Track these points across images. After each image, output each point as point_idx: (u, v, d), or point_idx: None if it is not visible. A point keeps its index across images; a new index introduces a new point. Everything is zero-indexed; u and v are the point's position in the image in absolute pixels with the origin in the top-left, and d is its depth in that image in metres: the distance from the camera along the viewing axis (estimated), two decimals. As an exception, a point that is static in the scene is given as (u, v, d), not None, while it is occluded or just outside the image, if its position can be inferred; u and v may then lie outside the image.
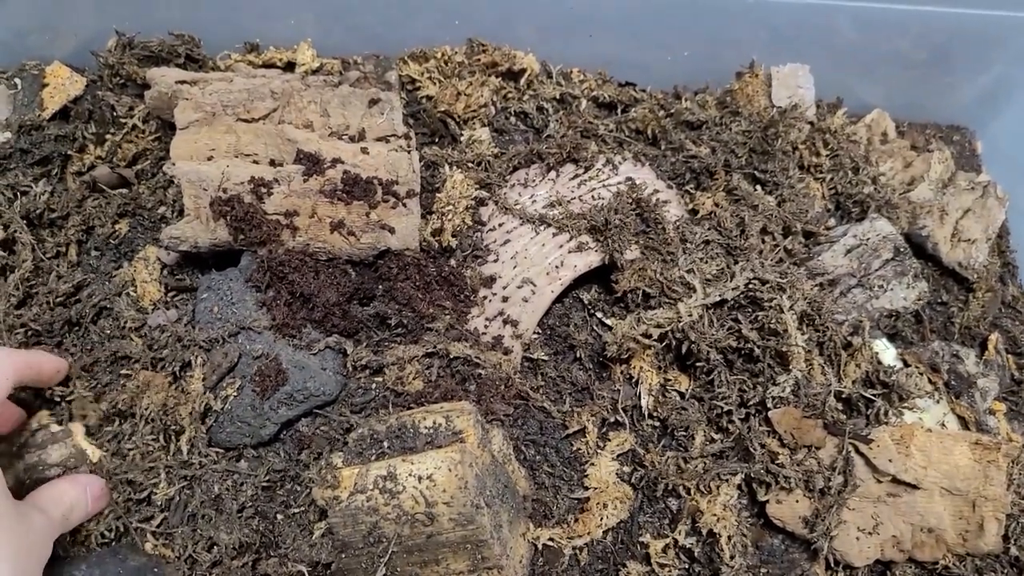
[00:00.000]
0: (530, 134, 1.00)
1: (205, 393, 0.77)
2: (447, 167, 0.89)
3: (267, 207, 0.78)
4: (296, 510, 0.79)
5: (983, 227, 1.01)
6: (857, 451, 0.78)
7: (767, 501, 0.79)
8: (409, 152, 0.81)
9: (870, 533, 0.79)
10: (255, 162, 0.80)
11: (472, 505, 0.71)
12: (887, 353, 0.89)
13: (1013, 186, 1.07)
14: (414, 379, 0.83)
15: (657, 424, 0.84)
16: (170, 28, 0.96)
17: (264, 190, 0.77)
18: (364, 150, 0.79)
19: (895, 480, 0.78)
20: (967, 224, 1.01)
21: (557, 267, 0.85)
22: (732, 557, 0.78)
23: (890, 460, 0.76)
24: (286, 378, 0.79)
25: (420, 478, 0.72)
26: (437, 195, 0.87)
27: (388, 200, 0.80)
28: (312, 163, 0.78)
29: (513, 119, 1.00)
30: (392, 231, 0.81)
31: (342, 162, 0.79)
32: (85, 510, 0.72)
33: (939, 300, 1.00)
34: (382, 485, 0.72)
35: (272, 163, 0.80)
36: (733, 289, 0.79)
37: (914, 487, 0.78)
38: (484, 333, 0.86)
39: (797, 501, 0.78)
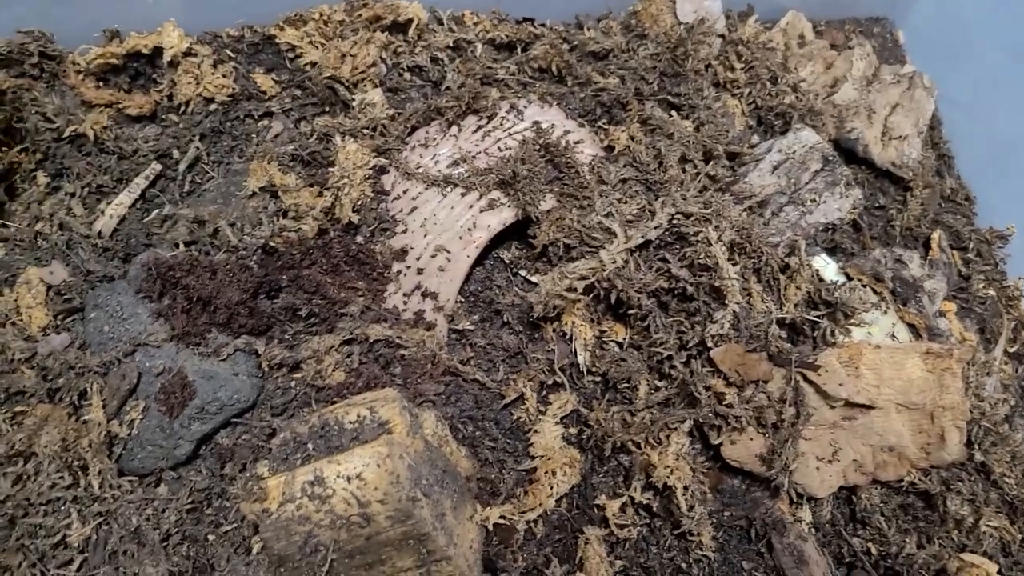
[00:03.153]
0: (428, 89, 0.93)
1: (109, 421, 0.71)
2: (339, 137, 0.82)
3: None
4: (228, 528, 0.74)
5: (913, 121, 0.97)
6: (806, 379, 0.74)
7: (721, 444, 0.76)
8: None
9: (830, 461, 0.75)
10: None
11: (407, 499, 0.67)
12: (828, 269, 0.85)
13: (941, 74, 1.02)
14: (334, 371, 0.77)
15: (598, 379, 0.80)
16: (17, 26, 0.87)
17: None
18: None
19: (849, 403, 0.74)
20: (897, 120, 0.96)
21: (470, 229, 0.79)
22: (691, 507, 0.74)
23: (840, 384, 0.73)
24: (194, 391, 0.73)
25: (349, 479, 0.67)
26: (330, 169, 0.80)
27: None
28: None
29: (407, 75, 0.93)
30: None
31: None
32: None
33: (876, 204, 0.95)
34: (310, 491, 0.67)
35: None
36: (656, 228, 0.74)
37: (869, 407, 0.74)
38: (404, 310, 0.80)
39: (751, 439, 0.75)
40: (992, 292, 0.93)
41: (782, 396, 0.74)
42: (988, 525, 0.75)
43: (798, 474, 0.75)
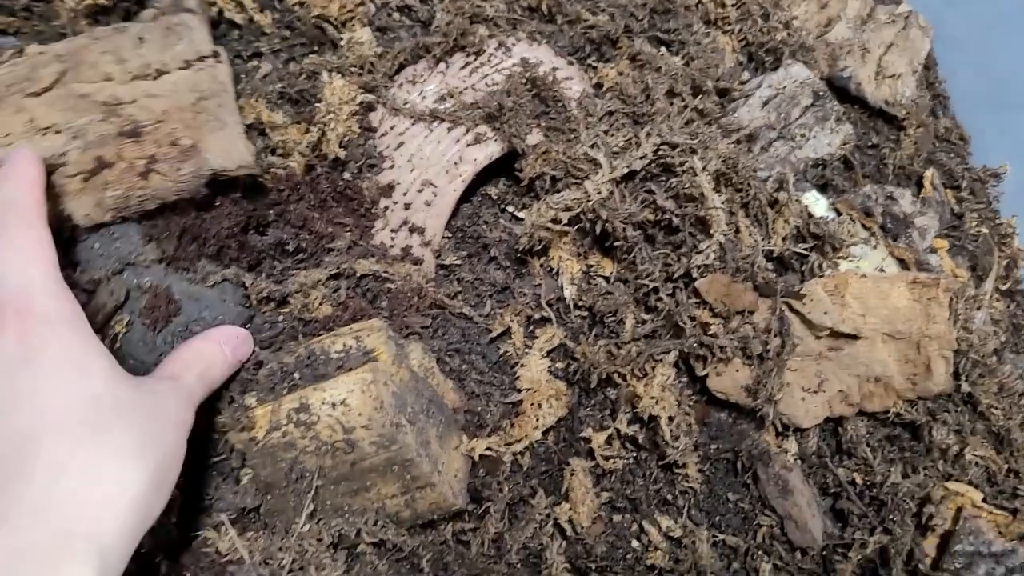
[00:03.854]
0: (417, 28, 0.92)
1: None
2: (326, 74, 0.82)
3: (69, 170, 0.71)
4: (217, 459, 0.75)
5: (908, 60, 0.96)
6: (791, 309, 0.74)
7: (707, 376, 0.76)
8: (216, 67, 0.74)
9: (815, 392, 0.75)
10: (57, 132, 0.72)
11: (392, 424, 0.67)
12: (818, 205, 0.85)
13: (937, 13, 1.01)
14: (321, 304, 0.77)
15: (585, 313, 0.80)
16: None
17: (60, 156, 0.70)
18: (157, 78, 0.72)
19: (834, 333, 0.74)
20: (891, 59, 0.95)
21: (456, 164, 0.79)
22: (676, 438, 0.74)
23: (825, 313, 0.72)
24: (179, 308, 0.73)
25: (334, 405, 0.68)
26: (317, 105, 0.80)
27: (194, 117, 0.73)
28: (108, 110, 0.70)
29: (396, 15, 0.92)
30: (210, 149, 0.73)
31: (137, 101, 0.71)
32: (225, 363, 0.67)
33: (869, 143, 0.95)
34: (296, 418, 0.68)
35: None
36: (641, 158, 0.73)
37: (855, 337, 0.74)
38: (392, 245, 0.81)
39: (737, 371, 0.75)
40: (985, 230, 0.92)
41: (767, 326, 0.74)
42: (974, 455, 0.75)
43: (784, 405, 0.75)
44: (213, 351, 0.66)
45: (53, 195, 0.69)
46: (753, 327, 0.74)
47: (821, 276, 0.77)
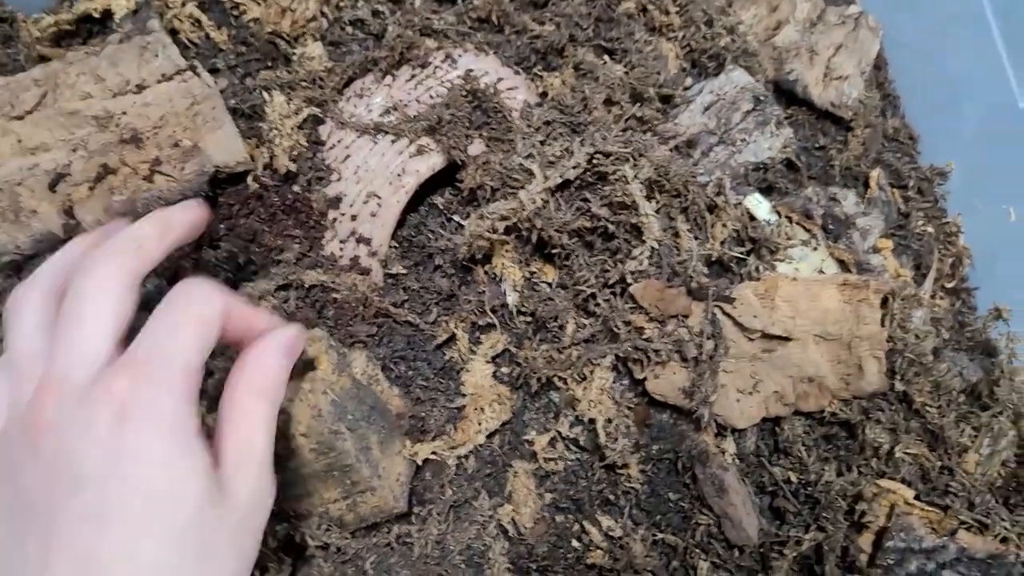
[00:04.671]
0: (370, 42, 0.94)
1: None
2: (269, 91, 0.84)
3: (75, 178, 0.74)
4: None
5: (856, 62, 0.97)
6: (724, 313, 0.75)
7: (645, 378, 0.77)
8: (199, 76, 0.78)
9: (751, 393, 0.77)
10: (47, 151, 0.76)
11: (330, 432, 0.70)
12: (760, 208, 0.86)
13: (890, 14, 1.02)
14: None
15: (529, 319, 0.82)
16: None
17: (64, 168, 0.74)
18: (139, 92, 0.76)
19: (766, 335, 0.75)
20: (839, 61, 0.96)
21: (399, 175, 0.81)
22: (615, 440, 0.76)
23: (755, 316, 0.74)
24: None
25: (274, 414, 0.70)
26: (260, 124, 0.82)
27: (191, 120, 0.77)
28: (103, 122, 0.74)
29: (349, 29, 0.94)
30: (210, 148, 0.77)
31: (129, 112, 0.76)
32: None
33: (817, 144, 0.95)
34: (238, 428, 0.70)
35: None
36: (574, 168, 0.75)
37: (786, 339, 0.75)
38: (341, 256, 0.83)
39: (674, 373, 0.76)
40: (930, 229, 0.93)
41: (702, 330, 0.75)
42: (906, 453, 0.76)
43: (720, 406, 0.76)
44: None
45: (63, 207, 0.75)
46: (688, 330, 0.75)
47: (758, 278, 0.78)
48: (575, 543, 0.77)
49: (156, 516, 0.46)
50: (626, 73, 0.86)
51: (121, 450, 0.46)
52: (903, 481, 0.75)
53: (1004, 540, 0.71)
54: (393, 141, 0.82)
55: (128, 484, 0.46)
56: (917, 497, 0.74)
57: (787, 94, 0.95)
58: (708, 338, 0.75)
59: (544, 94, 0.88)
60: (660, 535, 0.77)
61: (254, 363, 0.58)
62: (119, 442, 0.46)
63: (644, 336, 0.75)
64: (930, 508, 0.73)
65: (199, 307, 0.54)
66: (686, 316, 0.76)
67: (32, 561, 0.44)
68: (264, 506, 0.55)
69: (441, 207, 0.86)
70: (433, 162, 0.81)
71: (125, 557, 0.45)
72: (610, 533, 0.77)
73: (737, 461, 0.79)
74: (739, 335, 0.76)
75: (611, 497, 0.79)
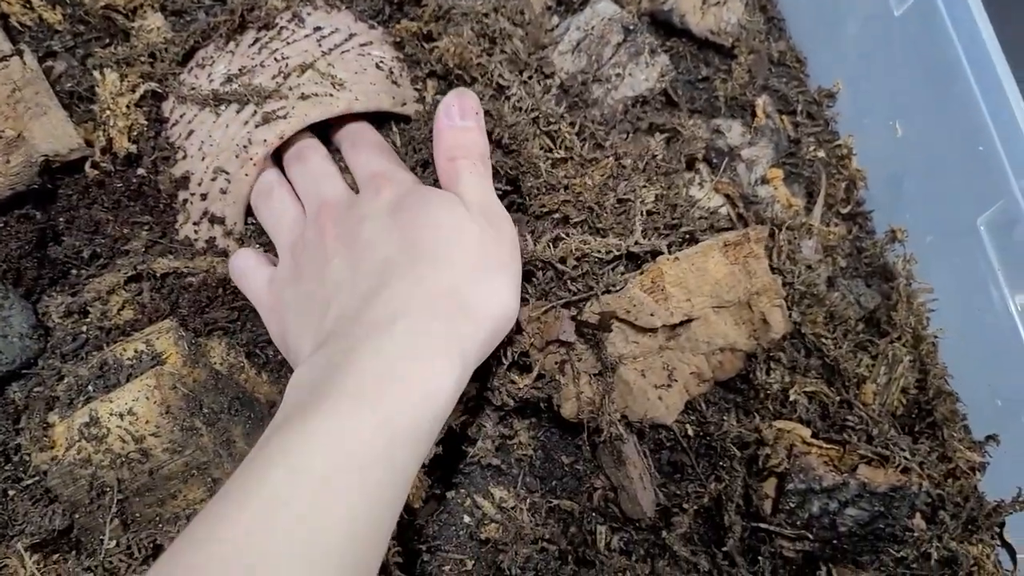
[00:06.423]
0: (218, 8, 0.88)
1: None
2: (104, 69, 0.78)
3: None
4: (29, 481, 0.72)
5: (735, -14, 0.92)
6: (619, 320, 0.69)
7: (560, 407, 0.72)
8: (22, 58, 0.71)
9: (669, 385, 0.71)
10: None
11: (182, 429, 0.65)
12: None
13: (770, -66, 0.97)
14: (123, 310, 0.74)
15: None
16: None
17: None
18: None
19: (667, 325, 0.70)
20: (718, -13, 0.91)
21: (245, 147, 0.75)
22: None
23: (652, 314, 0.68)
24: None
25: (121, 415, 0.66)
26: (92, 106, 0.76)
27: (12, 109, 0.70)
28: None
29: (190, -6, 0.87)
30: (36, 136, 0.71)
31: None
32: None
33: (700, 76, 0.90)
34: (87, 432, 0.66)
35: None
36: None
37: (688, 321, 0.70)
38: (196, 239, 0.77)
39: (581, 393, 0.71)
40: (822, 153, 0.89)
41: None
42: (803, 392, 0.72)
43: (643, 409, 0.71)
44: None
45: None
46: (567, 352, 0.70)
47: (640, 274, 0.71)
48: (467, 519, 0.73)
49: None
50: (486, 16, 0.80)
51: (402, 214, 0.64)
52: (800, 420, 0.72)
53: (906, 471, 0.68)
54: (237, 111, 0.76)
55: (427, 229, 0.62)
56: (815, 435, 0.71)
57: (664, 25, 0.90)
58: (596, 359, 0.69)
59: (400, 44, 0.82)
60: (556, 501, 0.73)
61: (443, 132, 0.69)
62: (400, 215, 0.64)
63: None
64: (828, 445, 0.70)
65: (368, 137, 0.78)
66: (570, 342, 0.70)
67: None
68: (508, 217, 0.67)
69: (300, 178, 0.80)
70: (281, 129, 0.75)
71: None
72: (503, 504, 0.73)
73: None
74: (640, 336, 0.70)
75: (502, 467, 0.74)
